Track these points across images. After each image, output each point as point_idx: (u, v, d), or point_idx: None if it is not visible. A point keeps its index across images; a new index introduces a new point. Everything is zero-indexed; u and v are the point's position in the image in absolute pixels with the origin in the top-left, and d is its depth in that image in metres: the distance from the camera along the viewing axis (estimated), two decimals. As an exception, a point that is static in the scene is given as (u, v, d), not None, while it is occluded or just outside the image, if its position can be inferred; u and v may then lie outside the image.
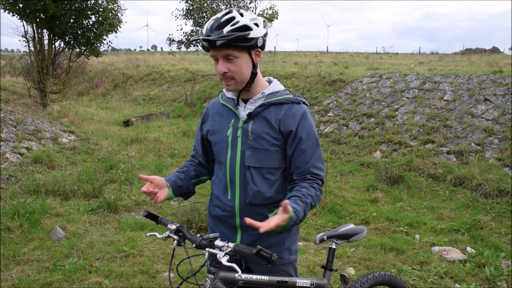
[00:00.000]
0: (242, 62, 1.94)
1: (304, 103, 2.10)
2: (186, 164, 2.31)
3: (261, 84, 2.09)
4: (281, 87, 2.13)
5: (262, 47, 1.99)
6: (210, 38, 1.85)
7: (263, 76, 2.15)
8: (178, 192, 2.16)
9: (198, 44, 17.90)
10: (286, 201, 1.72)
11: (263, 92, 2.06)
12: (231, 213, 2.08)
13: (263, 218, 2.02)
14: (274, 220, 1.71)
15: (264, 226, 1.70)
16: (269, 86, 2.10)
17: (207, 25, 1.91)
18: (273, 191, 2.05)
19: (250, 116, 2.04)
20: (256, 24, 1.92)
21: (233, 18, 1.89)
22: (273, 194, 2.05)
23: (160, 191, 2.02)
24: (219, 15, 1.92)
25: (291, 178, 2.07)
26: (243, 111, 2.07)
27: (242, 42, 1.88)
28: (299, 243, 4.98)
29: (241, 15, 1.91)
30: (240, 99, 2.09)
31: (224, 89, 2.19)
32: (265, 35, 1.96)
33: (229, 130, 2.07)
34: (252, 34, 1.89)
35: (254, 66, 1.99)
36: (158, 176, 2.04)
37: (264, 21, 1.98)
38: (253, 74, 2.00)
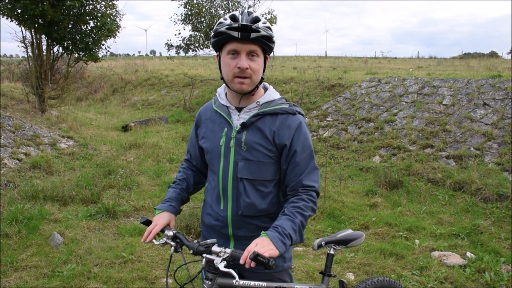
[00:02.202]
0: (260, 63, 1.94)
1: (300, 113, 2.05)
2: (185, 172, 2.28)
3: (258, 91, 2.06)
4: (277, 95, 2.09)
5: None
6: (253, 26, 1.82)
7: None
8: (178, 213, 2.20)
9: (196, 49, 17.98)
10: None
11: (258, 101, 2.02)
12: (224, 223, 2.06)
13: (256, 228, 2.01)
14: (250, 245, 1.76)
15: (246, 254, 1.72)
16: (264, 95, 2.06)
17: (238, 15, 1.87)
18: (266, 203, 2.01)
19: (244, 126, 1.99)
20: None
21: (259, 18, 1.89)
22: (267, 206, 2.01)
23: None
24: (242, 11, 1.90)
25: (285, 191, 2.04)
26: (237, 120, 2.02)
27: (269, 42, 1.91)
28: (298, 248, 4.97)
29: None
30: (234, 107, 2.04)
31: (217, 94, 2.15)
32: None
33: (222, 139, 2.02)
34: (274, 38, 1.93)
35: (264, 70, 2.00)
36: (162, 219, 2.05)
37: None
38: (262, 79, 2.00)
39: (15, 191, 6.32)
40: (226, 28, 1.84)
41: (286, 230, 1.84)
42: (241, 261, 1.69)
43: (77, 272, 4.18)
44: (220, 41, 1.91)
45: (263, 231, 1.85)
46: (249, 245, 1.74)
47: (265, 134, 1.97)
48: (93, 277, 4.13)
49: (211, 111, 2.14)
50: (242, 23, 1.82)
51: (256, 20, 1.86)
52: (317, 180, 2.03)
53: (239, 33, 1.83)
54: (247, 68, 1.87)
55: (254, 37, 1.84)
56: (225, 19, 1.88)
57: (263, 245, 1.73)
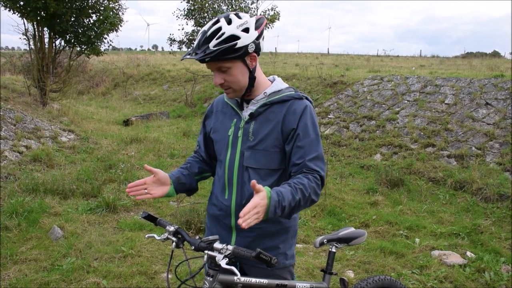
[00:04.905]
0: (236, 71, 1.92)
1: (307, 98, 2.06)
2: (190, 160, 2.29)
3: (263, 84, 2.06)
4: (284, 85, 2.10)
5: (257, 51, 1.94)
6: (196, 57, 1.85)
7: (266, 76, 2.13)
8: (180, 189, 2.14)
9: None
10: (253, 180, 1.69)
11: (265, 92, 2.04)
12: (227, 212, 2.07)
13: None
14: (251, 203, 1.67)
15: (243, 211, 1.65)
16: (271, 85, 2.07)
17: (197, 40, 1.90)
18: None
19: (252, 116, 2.02)
20: (246, 30, 1.86)
21: (219, 29, 1.84)
22: None
23: (156, 188, 2.01)
24: (206, 26, 1.89)
25: (289, 177, 2.01)
26: (246, 111, 2.06)
27: (230, 53, 1.85)
28: (298, 245, 4.97)
29: (229, 22, 1.86)
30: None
31: None
32: (258, 37, 1.90)
33: (230, 130, 2.07)
34: (240, 43, 1.85)
35: (251, 71, 1.96)
36: (162, 171, 2.03)
37: (258, 20, 1.91)
38: (251, 79, 1.98)
39: (16, 184, 6.32)
40: (189, 57, 1.91)
41: (284, 203, 1.78)
42: (240, 221, 1.64)
43: (77, 265, 4.18)
44: None
45: (268, 188, 1.76)
46: (249, 203, 1.68)
47: (273, 123, 1.99)
48: (93, 271, 4.13)
49: (222, 104, 2.20)
50: (190, 57, 1.88)
51: (209, 39, 1.85)
52: (323, 168, 1.98)
53: (199, 60, 1.87)
54: (222, 83, 1.94)
55: (208, 59, 1.85)
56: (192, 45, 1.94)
57: (257, 211, 1.68)
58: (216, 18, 1.90)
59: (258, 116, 2.02)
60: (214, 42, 1.84)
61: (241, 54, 1.88)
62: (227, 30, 1.84)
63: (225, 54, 1.84)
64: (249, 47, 1.88)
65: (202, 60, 1.86)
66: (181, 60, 2.00)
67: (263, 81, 2.07)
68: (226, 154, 2.08)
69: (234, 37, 1.84)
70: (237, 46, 1.85)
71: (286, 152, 2.00)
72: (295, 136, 1.97)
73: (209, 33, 1.85)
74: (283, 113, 1.99)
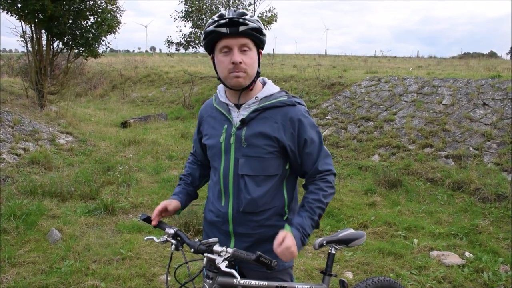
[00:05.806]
0: (253, 56, 1.94)
1: (300, 103, 2.05)
2: (190, 168, 2.31)
3: (255, 87, 2.04)
4: (276, 89, 2.07)
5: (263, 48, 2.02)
6: (240, 19, 1.83)
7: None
8: (186, 205, 2.26)
9: (197, 46, 17.92)
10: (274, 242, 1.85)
11: (257, 97, 2.01)
12: (224, 219, 2.04)
13: (257, 226, 2.01)
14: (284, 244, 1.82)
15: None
16: (263, 90, 2.04)
17: (223, 13, 1.88)
18: (267, 198, 1.99)
19: (244, 122, 1.97)
20: None
21: (246, 12, 1.89)
22: (268, 200, 2.00)
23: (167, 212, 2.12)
24: (230, 9, 1.91)
25: (305, 181, 2.11)
26: (236, 116, 2.01)
27: (259, 34, 1.90)
28: (297, 246, 4.96)
29: None
30: (233, 104, 2.04)
31: (218, 92, 2.14)
32: None
33: (222, 136, 2.02)
34: (263, 31, 1.93)
35: (259, 65, 2.00)
36: (172, 204, 2.12)
37: None
38: (258, 73, 2.00)
39: (14, 187, 6.31)
40: (214, 26, 1.85)
41: (307, 231, 1.92)
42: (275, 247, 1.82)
43: (75, 268, 4.17)
44: (211, 41, 1.92)
45: (287, 225, 1.91)
46: (278, 235, 1.84)
47: (265, 129, 1.96)
48: (91, 273, 4.12)
49: (211, 108, 2.14)
50: (229, 17, 1.83)
51: (243, 14, 1.87)
52: (331, 162, 2.07)
53: (228, 28, 1.83)
54: (240, 62, 1.87)
55: (242, 30, 1.84)
56: (213, 19, 1.89)
57: (292, 243, 1.83)
58: (234, 9, 1.92)
59: (249, 121, 1.98)
60: (248, 17, 1.88)
61: (261, 41, 1.95)
62: (254, 16, 1.92)
63: (256, 31, 1.89)
64: (265, 40, 1.97)
65: (234, 30, 1.84)
66: (210, 31, 1.88)
67: (257, 84, 2.06)
68: (220, 162, 2.03)
69: (260, 23, 1.92)
70: (263, 31, 1.92)
71: (297, 162, 2.03)
72: (302, 145, 1.99)
73: (240, 10, 1.88)
74: (278, 120, 1.97)
